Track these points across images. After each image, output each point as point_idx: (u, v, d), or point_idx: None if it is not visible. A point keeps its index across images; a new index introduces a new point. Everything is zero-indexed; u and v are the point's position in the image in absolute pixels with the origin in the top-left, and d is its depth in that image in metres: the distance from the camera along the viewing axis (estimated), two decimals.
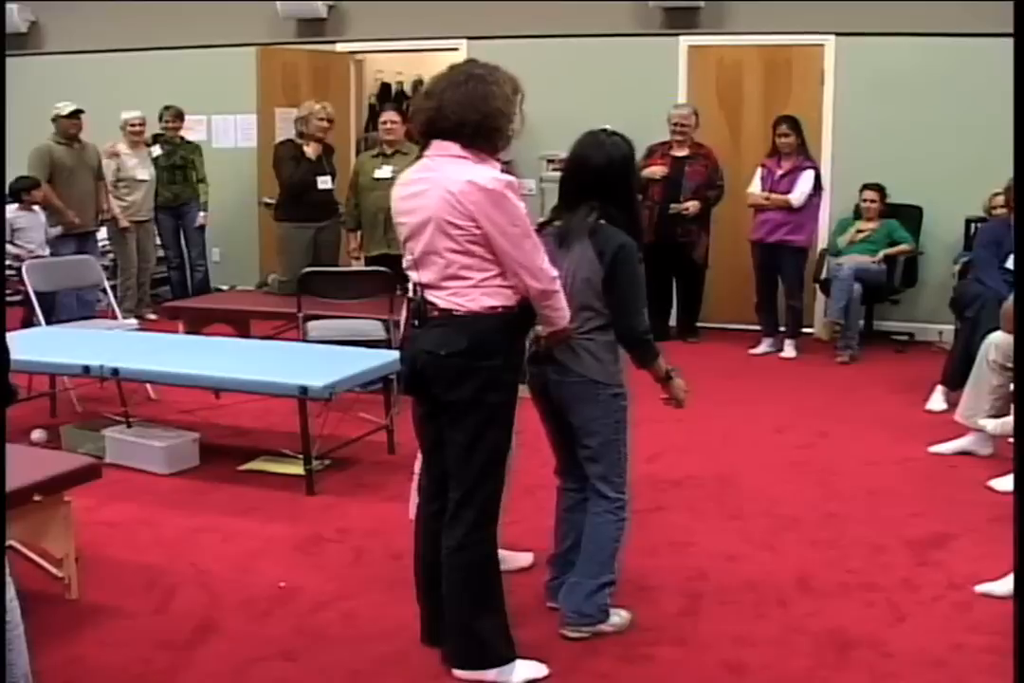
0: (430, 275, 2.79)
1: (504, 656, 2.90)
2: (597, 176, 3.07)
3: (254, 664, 3.00)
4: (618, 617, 3.23)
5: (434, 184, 2.75)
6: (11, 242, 6.89)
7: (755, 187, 7.23)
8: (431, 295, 2.80)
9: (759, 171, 7.24)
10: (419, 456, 3.21)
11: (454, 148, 2.76)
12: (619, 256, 3.02)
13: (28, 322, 6.33)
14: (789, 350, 7.24)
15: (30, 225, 7.04)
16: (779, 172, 7.14)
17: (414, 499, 3.32)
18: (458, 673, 2.91)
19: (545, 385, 3.12)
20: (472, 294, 2.75)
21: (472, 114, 2.72)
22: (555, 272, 2.81)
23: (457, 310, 2.76)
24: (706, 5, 7.83)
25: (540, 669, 2.94)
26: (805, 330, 7.40)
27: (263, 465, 4.75)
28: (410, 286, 2.90)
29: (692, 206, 7.24)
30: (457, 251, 2.74)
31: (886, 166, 7.48)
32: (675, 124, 7.32)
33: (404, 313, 2.99)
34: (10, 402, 2.34)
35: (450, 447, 2.84)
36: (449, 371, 2.77)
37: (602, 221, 3.05)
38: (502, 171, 2.79)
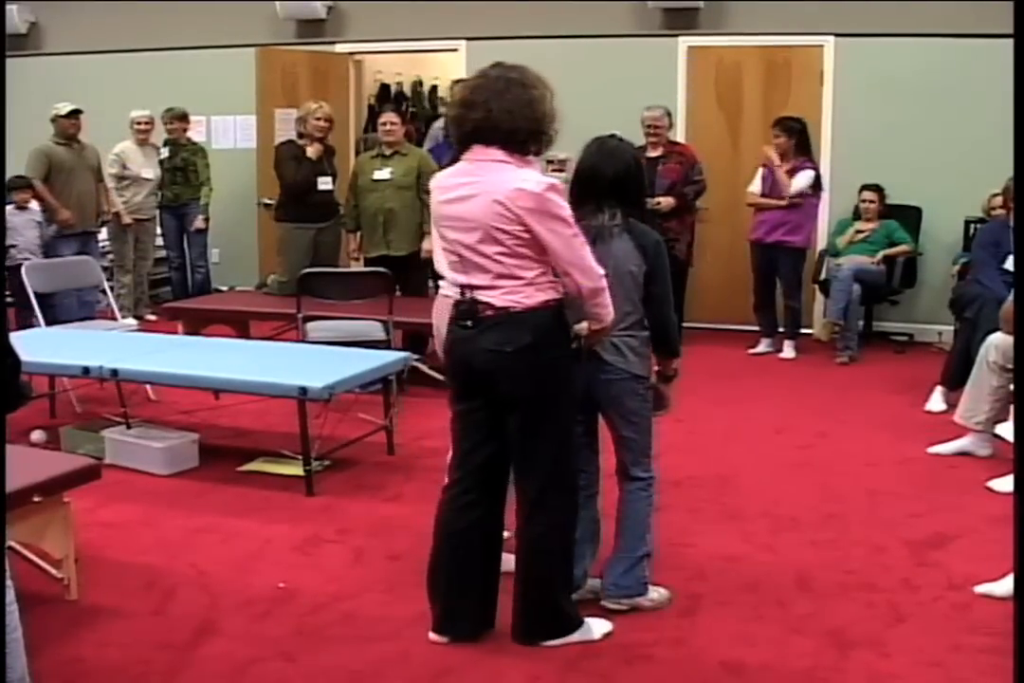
0: (481, 277, 2.87)
1: (581, 619, 3.12)
2: (614, 183, 3.16)
3: (254, 665, 2.99)
4: (657, 593, 3.33)
5: (481, 190, 2.82)
6: None
7: (755, 186, 7.22)
8: (483, 295, 2.87)
9: (760, 171, 7.25)
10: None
11: (498, 153, 2.84)
12: (658, 250, 3.20)
13: (21, 326, 6.30)
14: (788, 351, 7.23)
15: (22, 225, 7.02)
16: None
17: None
18: (548, 643, 3.07)
19: (587, 383, 3.18)
20: (527, 291, 2.85)
21: (522, 121, 2.82)
22: (602, 270, 2.90)
23: (514, 307, 2.85)
24: (705, 6, 7.84)
25: (608, 625, 3.17)
26: (804, 331, 7.40)
27: (262, 466, 4.75)
28: (452, 288, 2.96)
29: (664, 202, 7.06)
30: (507, 254, 2.82)
31: (885, 167, 7.48)
32: (647, 126, 7.20)
33: (446, 314, 3.03)
34: (21, 404, 2.34)
35: (523, 440, 2.94)
36: (517, 367, 2.86)
37: (630, 219, 3.17)
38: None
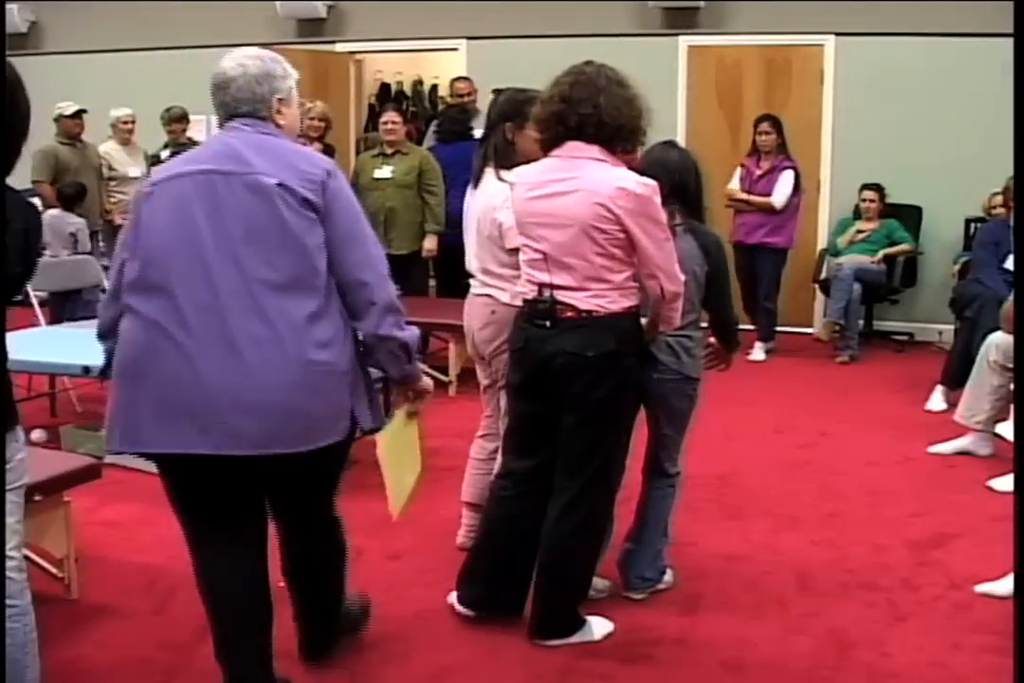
0: (567, 277, 2.85)
1: (582, 619, 3.12)
2: (673, 189, 3.13)
3: None
4: (669, 575, 3.44)
5: (578, 187, 2.80)
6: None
7: (734, 187, 7.17)
8: (566, 296, 2.86)
9: (738, 171, 7.19)
10: (479, 443, 3.58)
11: (594, 150, 2.82)
12: (720, 251, 3.23)
13: (52, 320, 6.35)
14: (758, 352, 7.09)
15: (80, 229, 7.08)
16: (757, 172, 7.08)
17: (471, 483, 3.62)
18: (549, 643, 3.07)
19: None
20: (612, 295, 2.84)
21: (627, 119, 2.82)
22: (683, 276, 2.90)
23: (598, 311, 2.84)
24: (706, 5, 7.84)
25: (609, 625, 3.16)
26: (806, 331, 7.40)
27: None
28: (528, 286, 2.95)
29: None
30: (601, 254, 2.81)
31: (886, 166, 7.48)
32: None
33: (476, 314, 2.98)
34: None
35: (579, 440, 2.95)
36: (593, 371, 2.86)
37: (691, 220, 3.20)
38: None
